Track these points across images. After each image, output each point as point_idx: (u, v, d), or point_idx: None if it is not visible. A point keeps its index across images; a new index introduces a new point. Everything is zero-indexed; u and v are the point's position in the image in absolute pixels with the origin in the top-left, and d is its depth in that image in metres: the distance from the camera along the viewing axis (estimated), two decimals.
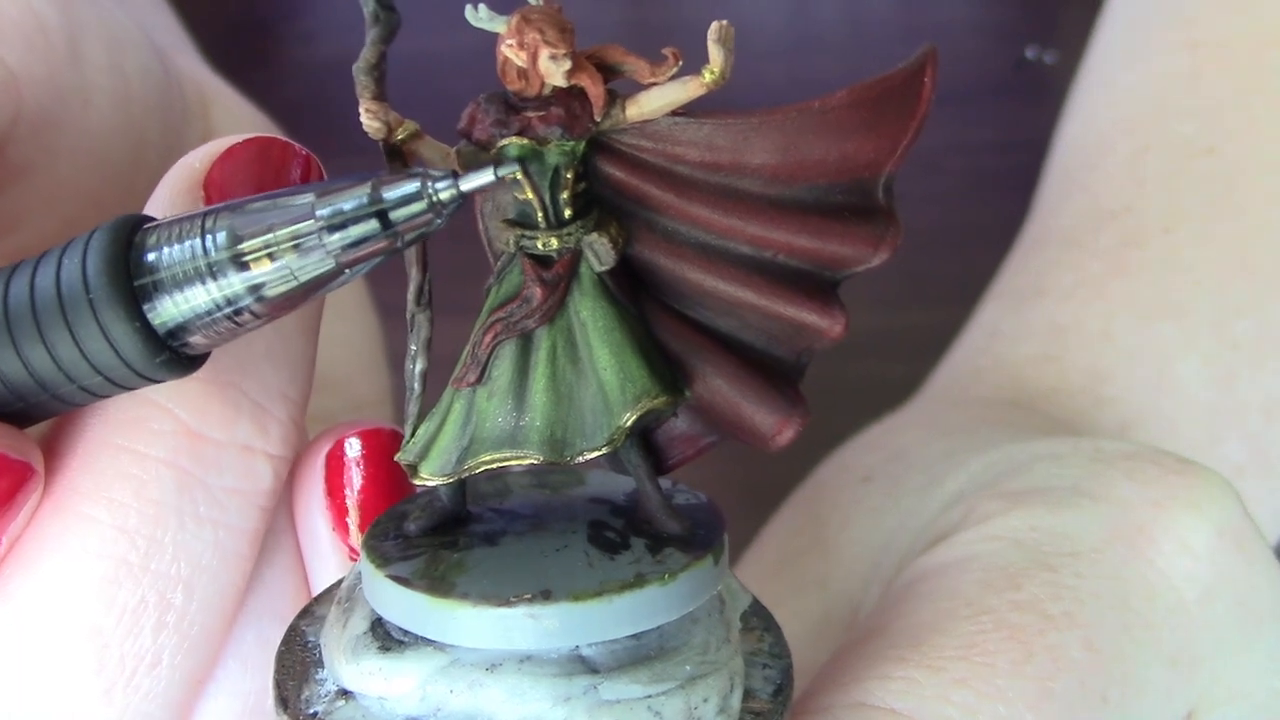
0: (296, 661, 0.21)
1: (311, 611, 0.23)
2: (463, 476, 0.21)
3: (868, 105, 0.20)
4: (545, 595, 0.19)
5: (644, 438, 0.22)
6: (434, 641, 0.20)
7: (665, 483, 0.22)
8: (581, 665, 0.19)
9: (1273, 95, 0.36)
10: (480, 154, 0.20)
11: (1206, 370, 0.34)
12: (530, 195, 0.20)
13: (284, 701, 0.20)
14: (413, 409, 0.22)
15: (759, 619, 0.22)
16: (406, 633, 0.20)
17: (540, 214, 0.20)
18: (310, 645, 0.22)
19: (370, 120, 0.20)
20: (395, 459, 0.22)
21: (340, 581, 0.23)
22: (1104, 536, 0.24)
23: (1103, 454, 0.26)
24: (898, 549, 0.28)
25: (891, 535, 0.28)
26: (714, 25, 0.19)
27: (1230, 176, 0.35)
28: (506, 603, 0.19)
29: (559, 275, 0.20)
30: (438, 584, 0.20)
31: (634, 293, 0.21)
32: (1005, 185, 0.42)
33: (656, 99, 0.19)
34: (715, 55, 0.19)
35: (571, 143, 0.20)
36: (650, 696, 0.19)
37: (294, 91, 0.41)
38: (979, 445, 0.29)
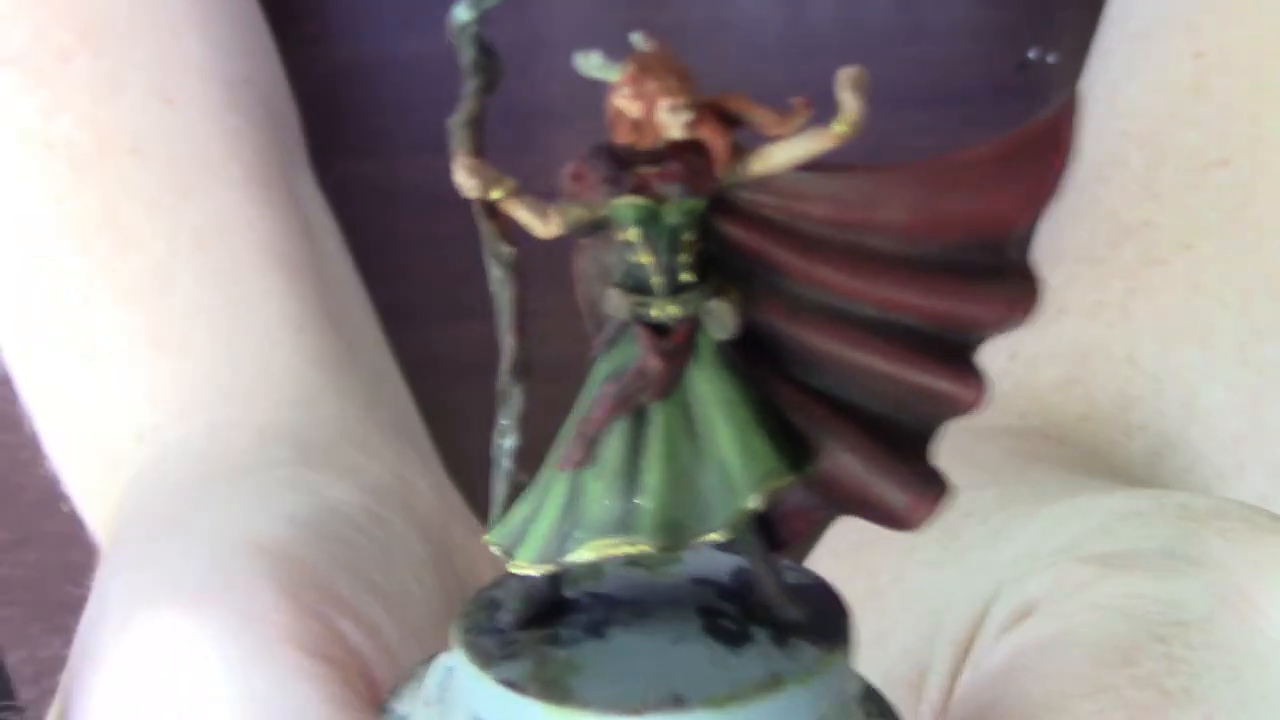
0: None
1: (392, 711, 0.21)
2: (564, 564, 0.19)
3: (1007, 159, 0.18)
4: (677, 702, 0.17)
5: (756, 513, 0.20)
6: None
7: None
8: None
9: None
10: (587, 213, 0.18)
11: (1232, 397, 0.33)
12: (647, 259, 0.18)
13: None
14: (502, 488, 0.20)
15: (874, 704, 0.21)
16: None
17: (657, 278, 0.18)
18: None
19: (468, 178, 0.18)
20: (484, 541, 0.20)
21: (419, 673, 0.21)
22: (1208, 604, 0.23)
23: (1191, 512, 0.24)
24: (965, 608, 0.27)
25: (954, 592, 0.27)
26: (844, 72, 0.17)
27: (1245, 189, 0.35)
28: (635, 711, 0.17)
29: (678, 345, 0.18)
30: (553, 689, 0.18)
31: (752, 361, 0.19)
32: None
33: (784, 152, 0.18)
34: (849, 104, 0.17)
35: (692, 201, 0.18)
36: None
37: (302, 93, 0.39)
38: (1038, 494, 0.28)
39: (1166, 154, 0.35)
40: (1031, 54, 0.46)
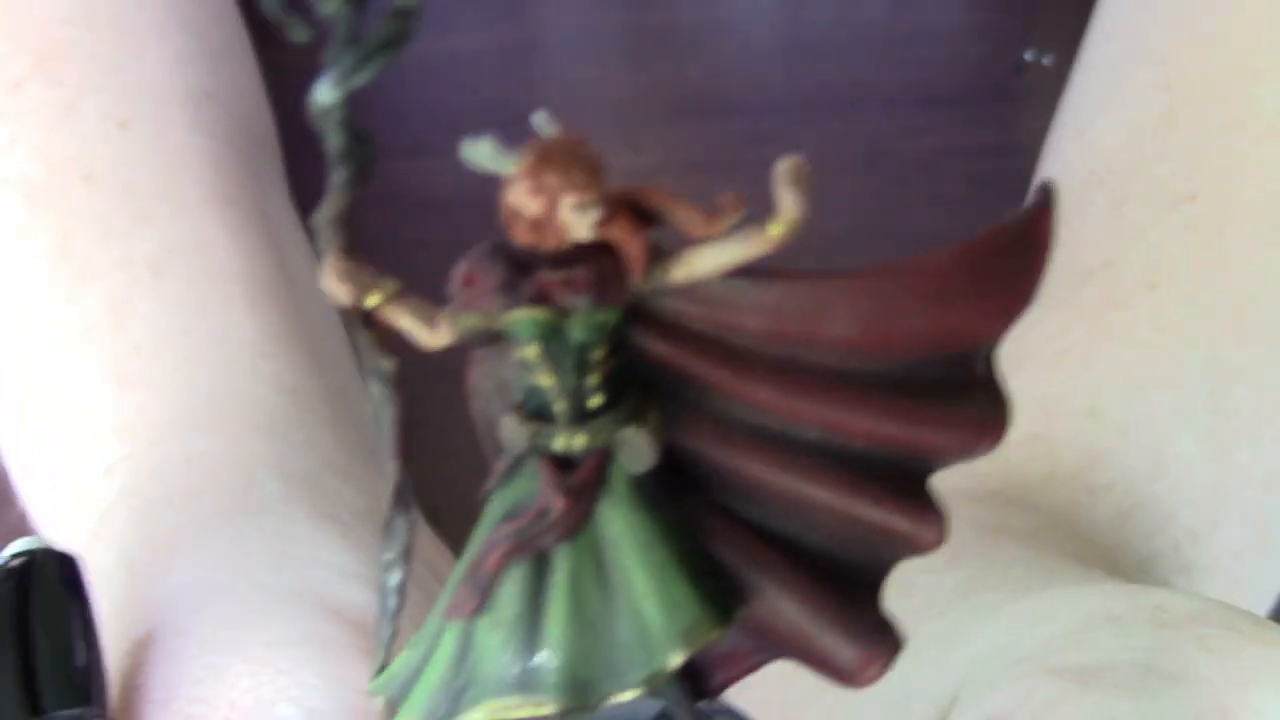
0: None
1: None
2: None
3: (976, 266, 0.15)
4: None
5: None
6: None
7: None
8: None
9: (1253, 135, 0.33)
10: (482, 322, 0.15)
11: (1203, 447, 0.31)
12: (548, 381, 0.15)
13: None
14: (386, 629, 0.17)
15: None
16: None
17: (561, 404, 0.15)
18: None
19: (338, 283, 0.15)
20: (369, 689, 0.17)
21: None
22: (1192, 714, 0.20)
23: (1167, 617, 0.22)
24: (923, 708, 0.24)
25: (911, 690, 0.24)
26: (783, 164, 0.15)
27: (1215, 224, 0.32)
28: None
29: (585, 481, 0.15)
30: None
31: (675, 489, 0.16)
32: (1005, 189, 0.39)
33: (711, 257, 0.15)
34: (787, 202, 0.15)
35: (603, 313, 0.15)
36: None
37: (294, 98, 0.38)
38: (1004, 582, 0.26)
39: (1132, 190, 0.33)
40: (1028, 56, 0.44)
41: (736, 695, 0.30)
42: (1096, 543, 0.30)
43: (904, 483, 0.16)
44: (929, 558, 0.28)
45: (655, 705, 0.18)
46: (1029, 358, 0.32)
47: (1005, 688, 0.22)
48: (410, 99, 0.39)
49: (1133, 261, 0.33)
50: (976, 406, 0.16)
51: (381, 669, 0.17)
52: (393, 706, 0.17)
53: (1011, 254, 0.15)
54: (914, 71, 0.42)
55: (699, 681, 0.18)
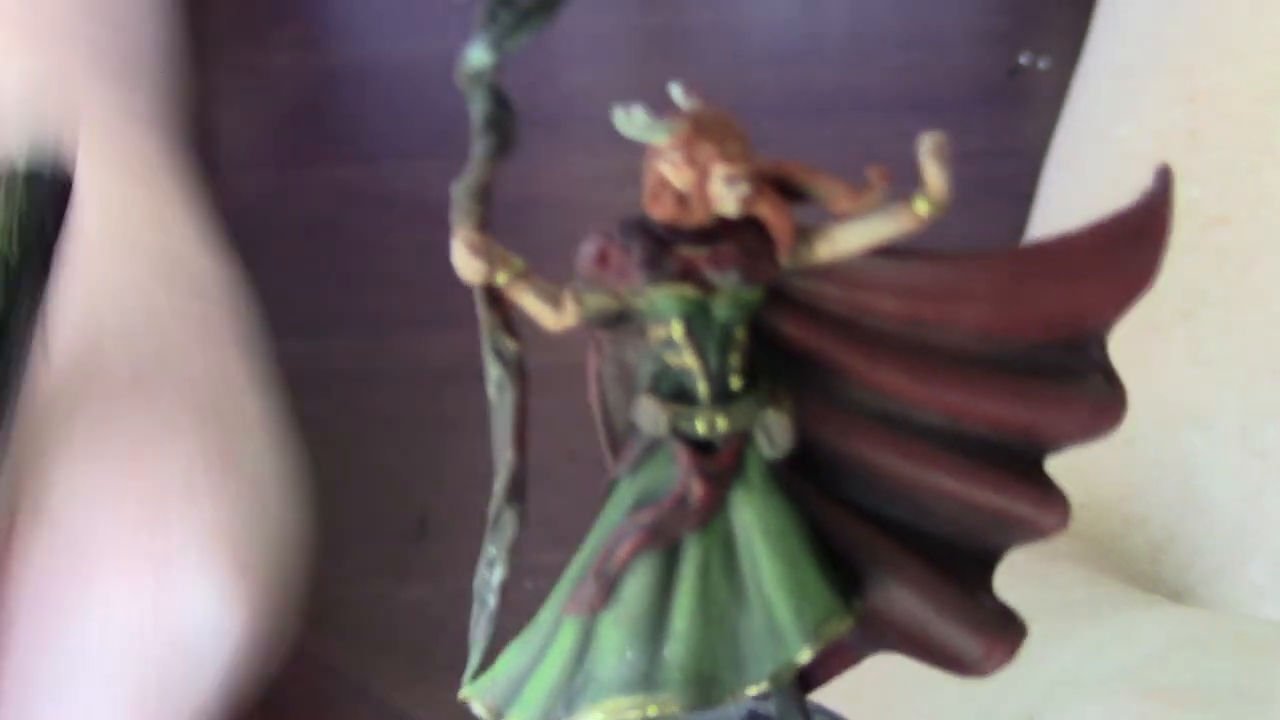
0: None
1: None
2: None
3: (1103, 247, 0.15)
4: None
5: None
6: None
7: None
8: None
9: (1277, 158, 0.33)
10: (612, 302, 0.15)
11: (1234, 485, 0.32)
12: (693, 361, 0.15)
13: None
14: (484, 629, 0.16)
15: None
16: None
17: (704, 385, 0.15)
18: None
19: (470, 259, 0.14)
20: (462, 696, 0.16)
21: None
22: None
23: (1251, 642, 0.22)
24: None
25: (985, 712, 0.24)
26: (926, 140, 0.15)
27: (1247, 251, 0.33)
28: None
29: (726, 466, 0.15)
30: None
31: (796, 478, 0.16)
32: (1002, 192, 0.39)
33: (857, 234, 0.15)
34: (933, 177, 0.15)
35: (749, 292, 0.15)
36: None
37: (286, 98, 0.37)
38: (1068, 606, 0.26)
39: None
40: (1023, 59, 0.45)
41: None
42: (1133, 572, 0.30)
43: (1024, 467, 0.16)
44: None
45: (745, 705, 0.18)
46: None
47: (1091, 708, 0.22)
48: (408, 101, 0.38)
49: (1167, 285, 0.32)
50: (1094, 389, 0.16)
51: (479, 670, 0.16)
52: (497, 710, 0.16)
53: (1137, 235, 0.16)
54: (911, 75, 0.42)
55: (803, 677, 0.17)
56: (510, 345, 0.15)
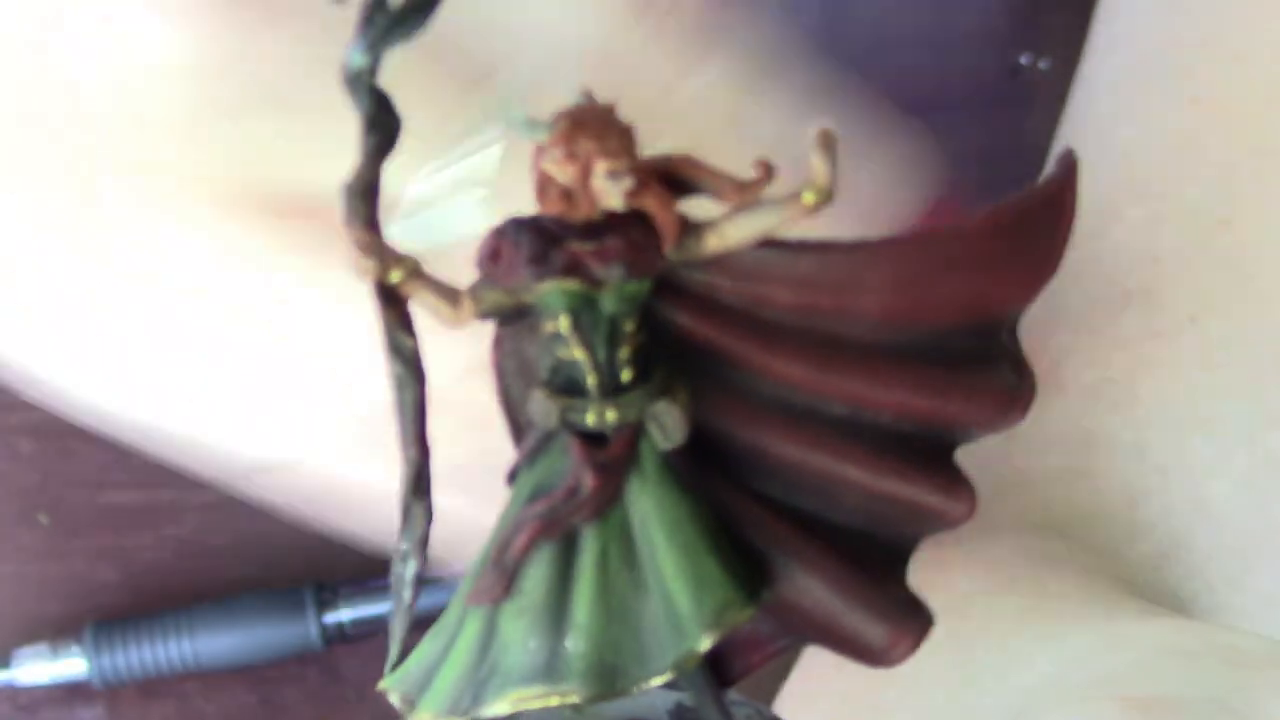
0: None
1: None
2: (480, 716, 0.16)
3: (1005, 231, 0.15)
4: None
5: None
6: None
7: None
8: None
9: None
10: (507, 299, 0.15)
11: (1240, 494, 0.31)
12: (581, 354, 0.15)
13: None
14: (401, 622, 0.17)
15: None
16: None
17: (593, 378, 0.15)
18: None
19: (362, 258, 0.15)
20: (380, 687, 0.17)
21: None
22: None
23: (1241, 657, 0.22)
24: None
25: (970, 714, 0.24)
26: (814, 131, 0.15)
27: (1251, 255, 0.32)
28: None
29: (617, 457, 0.15)
30: None
31: (699, 469, 0.16)
32: (1003, 192, 0.39)
33: (745, 226, 0.15)
34: (820, 169, 0.15)
35: (635, 284, 0.15)
36: None
37: None
38: (1059, 612, 0.25)
39: (1166, 211, 0.33)
40: (1023, 59, 0.45)
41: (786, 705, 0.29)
42: (1137, 581, 0.30)
43: (932, 457, 0.16)
44: (986, 579, 0.27)
45: (671, 698, 0.18)
46: (1068, 384, 0.32)
47: (1072, 714, 0.22)
48: None
49: (1173, 289, 0.32)
50: (1004, 378, 0.16)
51: (395, 665, 0.17)
52: (410, 700, 0.16)
53: (1038, 221, 0.15)
54: (907, 77, 0.42)
55: (719, 670, 0.17)
56: (408, 342, 0.15)
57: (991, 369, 0.16)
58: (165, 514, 0.28)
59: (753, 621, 0.17)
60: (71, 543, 0.34)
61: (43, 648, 0.34)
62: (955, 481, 0.16)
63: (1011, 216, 0.15)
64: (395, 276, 0.15)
